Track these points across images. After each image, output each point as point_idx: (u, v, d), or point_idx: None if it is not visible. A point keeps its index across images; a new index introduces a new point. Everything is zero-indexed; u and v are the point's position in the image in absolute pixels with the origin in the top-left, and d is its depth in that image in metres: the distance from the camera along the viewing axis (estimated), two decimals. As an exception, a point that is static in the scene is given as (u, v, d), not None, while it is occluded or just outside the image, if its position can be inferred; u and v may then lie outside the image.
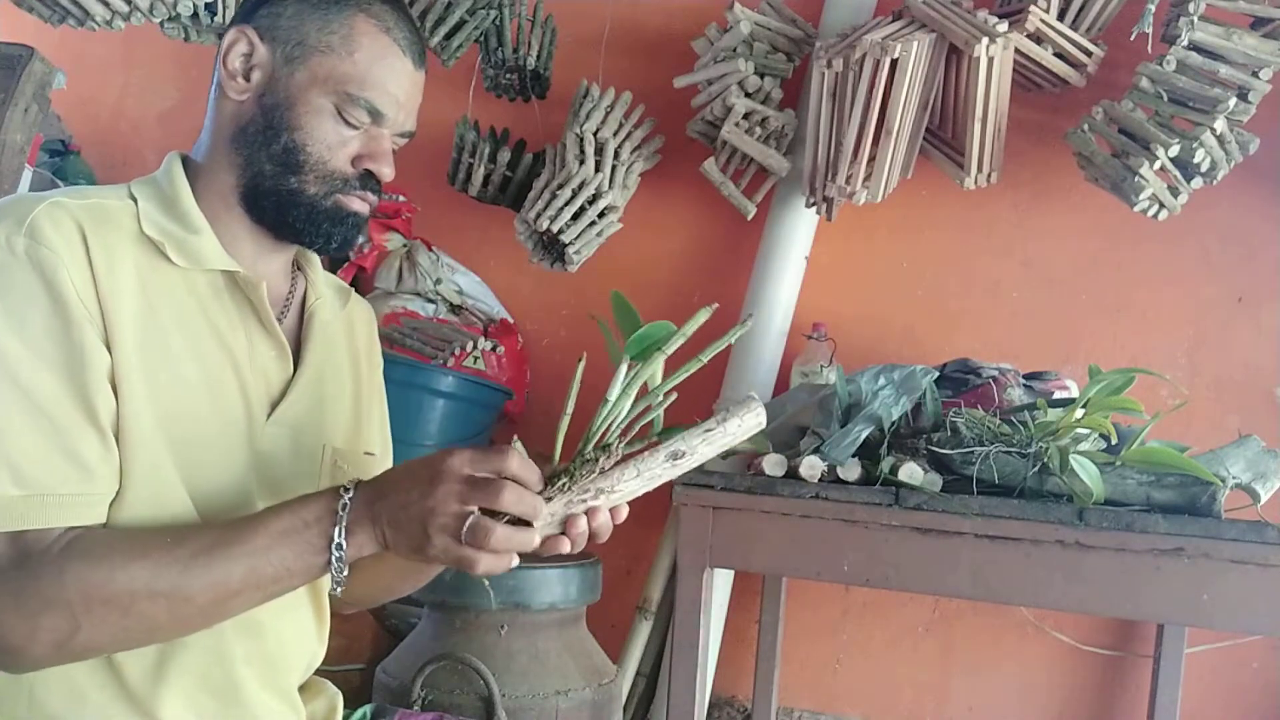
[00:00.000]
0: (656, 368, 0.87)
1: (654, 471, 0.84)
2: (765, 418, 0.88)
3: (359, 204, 0.97)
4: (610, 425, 0.85)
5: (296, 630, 0.99)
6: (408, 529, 0.80)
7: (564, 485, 0.82)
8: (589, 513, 0.83)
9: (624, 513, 0.86)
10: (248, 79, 0.95)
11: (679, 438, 0.85)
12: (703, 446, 0.85)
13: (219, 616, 0.83)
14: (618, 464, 0.84)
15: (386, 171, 0.97)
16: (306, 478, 0.99)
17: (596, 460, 0.84)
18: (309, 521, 0.81)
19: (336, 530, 0.80)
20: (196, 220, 0.92)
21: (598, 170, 2.01)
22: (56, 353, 0.80)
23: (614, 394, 0.86)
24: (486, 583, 0.90)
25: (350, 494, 0.82)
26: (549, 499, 0.81)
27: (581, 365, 0.88)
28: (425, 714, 1.16)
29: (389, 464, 1.13)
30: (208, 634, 0.87)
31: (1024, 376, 1.69)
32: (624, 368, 0.87)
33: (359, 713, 1.12)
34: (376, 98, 0.95)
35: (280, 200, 0.94)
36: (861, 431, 1.47)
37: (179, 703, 0.87)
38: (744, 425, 0.86)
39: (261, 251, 0.98)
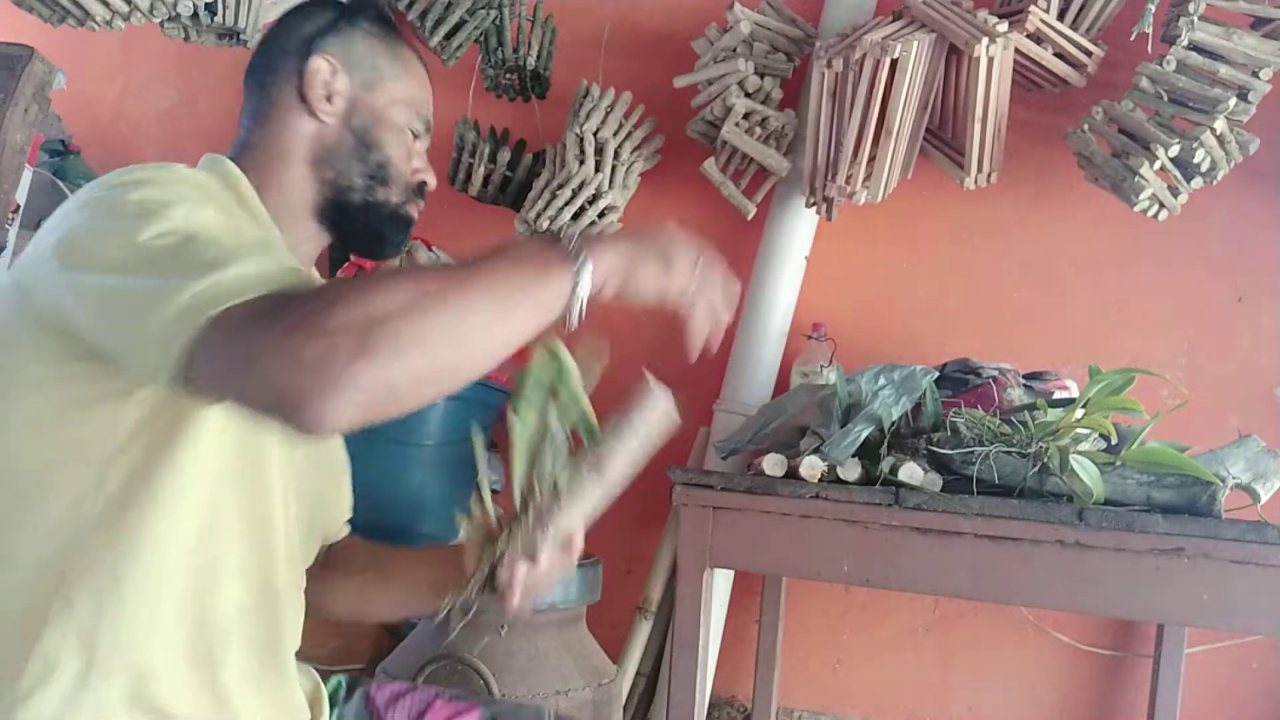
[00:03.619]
0: (555, 414, 0.92)
1: (588, 491, 0.90)
2: (669, 404, 0.92)
3: (416, 211, 1.13)
4: (530, 482, 0.91)
5: (298, 616, 1.06)
6: (654, 243, 0.88)
7: (514, 545, 0.91)
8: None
9: (580, 541, 0.96)
10: (329, 103, 1.05)
11: (594, 453, 0.90)
12: (619, 446, 0.90)
13: (488, 339, 0.77)
14: (553, 504, 0.90)
15: (433, 180, 1.14)
16: (313, 465, 1.07)
17: (529, 515, 0.90)
18: (543, 246, 0.83)
19: (572, 245, 0.82)
20: (267, 222, 1.01)
21: (598, 170, 2.01)
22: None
23: (519, 463, 0.91)
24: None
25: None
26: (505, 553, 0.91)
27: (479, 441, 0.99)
28: (395, 684, 1.17)
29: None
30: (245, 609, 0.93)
31: (1024, 376, 1.69)
32: (518, 428, 0.91)
33: (333, 681, 1.14)
34: (428, 115, 1.12)
35: (369, 211, 1.07)
36: (861, 431, 1.47)
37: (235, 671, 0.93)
38: (647, 419, 0.91)
39: (308, 261, 1.09)
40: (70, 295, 0.81)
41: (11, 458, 0.84)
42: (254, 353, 0.70)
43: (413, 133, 1.10)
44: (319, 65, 1.04)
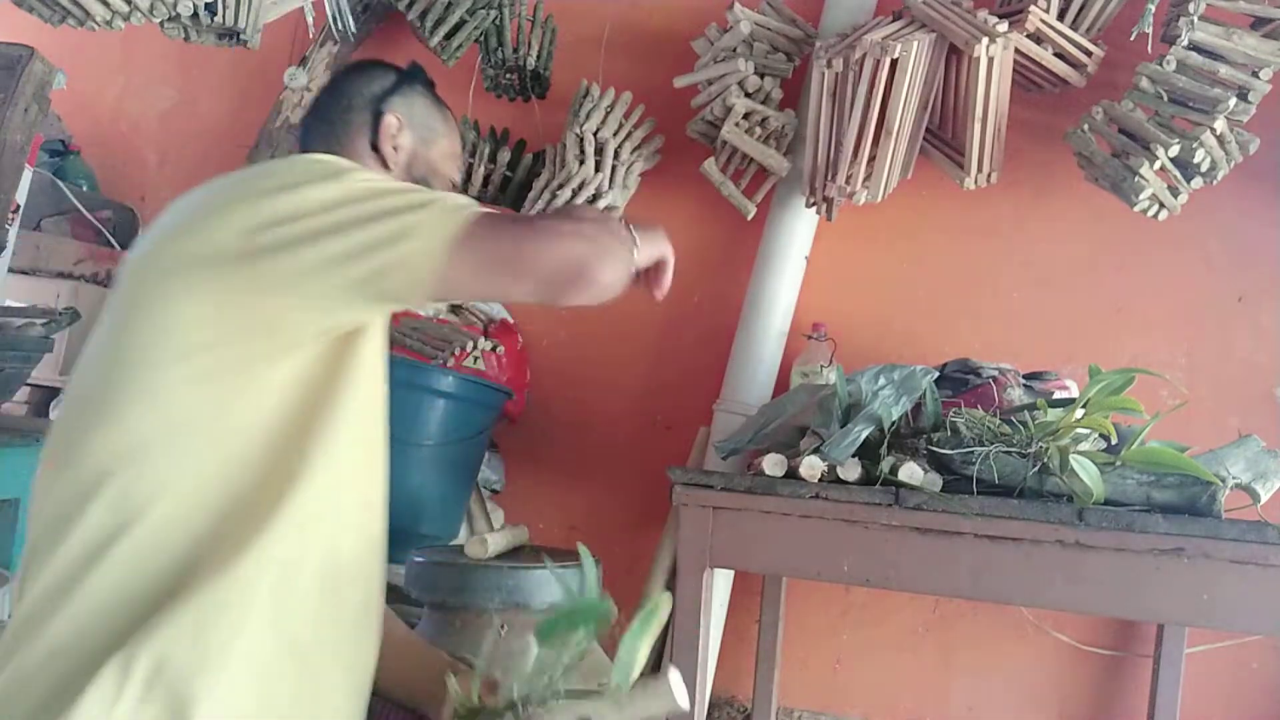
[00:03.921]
0: (573, 649, 0.97)
1: None
2: (679, 701, 0.94)
3: None
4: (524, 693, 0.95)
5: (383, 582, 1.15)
6: (649, 227, 1.15)
7: None
8: None
9: None
10: (396, 153, 1.23)
11: (590, 703, 0.93)
12: (611, 714, 0.93)
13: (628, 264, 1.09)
14: None
15: None
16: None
17: None
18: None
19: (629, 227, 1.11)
20: None
21: (598, 170, 2.01)
22: None
23: (519, 677, 0.96)
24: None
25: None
26: None
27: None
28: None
29: None
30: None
31: (1024, 376, 1.69)
32: (539, 650, 0.96)
33: None
34: (462, 168, 1.31)
35: None
36: (861, 431, 1.47)
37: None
38: (651, 707, 0.94)
39: None
40: (279, 254, 0.94)
41: (182, 414, 0.94)
42: (541, 241, 0.98)
43: (453, 182, 1.31)
44: (391, 121, 1.22)
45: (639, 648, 0.96)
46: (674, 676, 0.94)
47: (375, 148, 1.22)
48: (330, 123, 1.23)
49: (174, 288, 0.95)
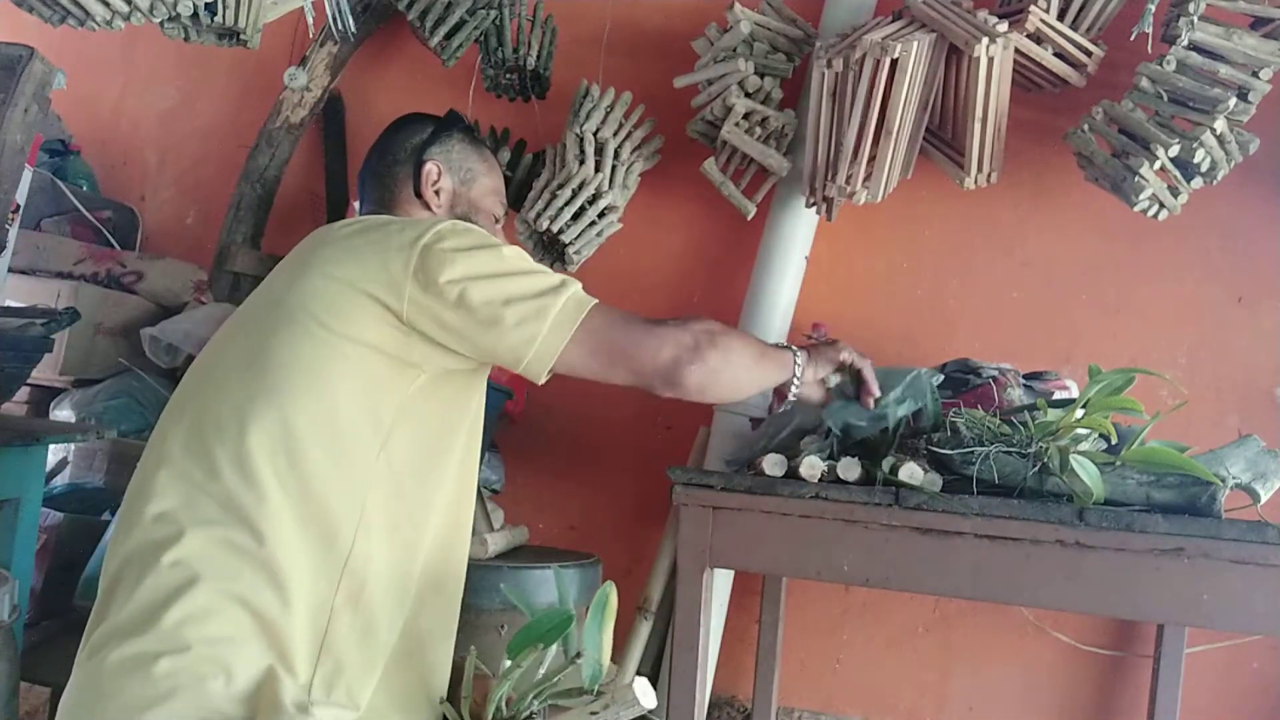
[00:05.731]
0: (541, 656, 1.04)
1: None
2: (646, 704, 1.00)
3: None
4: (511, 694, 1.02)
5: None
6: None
7: None
8: None
9: None
10: (438, 197, 1.36)
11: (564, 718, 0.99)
12: None
13: (751, 375, 1.27)
14: None
15: None
16: None
17: None
18: (782, 348, 1.36)
19: (796, 354, 1.34)
20: None
21: (598, 170, 2.01)
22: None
23: (506, 680, 1.03)
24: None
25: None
26: None
27: None
28: None
29: None
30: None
31: (1024, 376, 1.69)
32: (507, 662, 1.03)
33: None
34: (506, 203, 1.47)
35: None
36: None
37: None
38: (620, 712, 1.00)
39: None
40: (443, 303, 1.08)
41: (346, 419, 1.07)
42: (639, 337, 1.15)
43: (495, 217, 1.41)
44: (430, 169, 1.35)
45: (601, 640, 1.02)
46: (639, 684, 0.99)
47: (419, 193, 1.35)
48: (379, 175, 1.37)
49: (370, 314, 1.08)
